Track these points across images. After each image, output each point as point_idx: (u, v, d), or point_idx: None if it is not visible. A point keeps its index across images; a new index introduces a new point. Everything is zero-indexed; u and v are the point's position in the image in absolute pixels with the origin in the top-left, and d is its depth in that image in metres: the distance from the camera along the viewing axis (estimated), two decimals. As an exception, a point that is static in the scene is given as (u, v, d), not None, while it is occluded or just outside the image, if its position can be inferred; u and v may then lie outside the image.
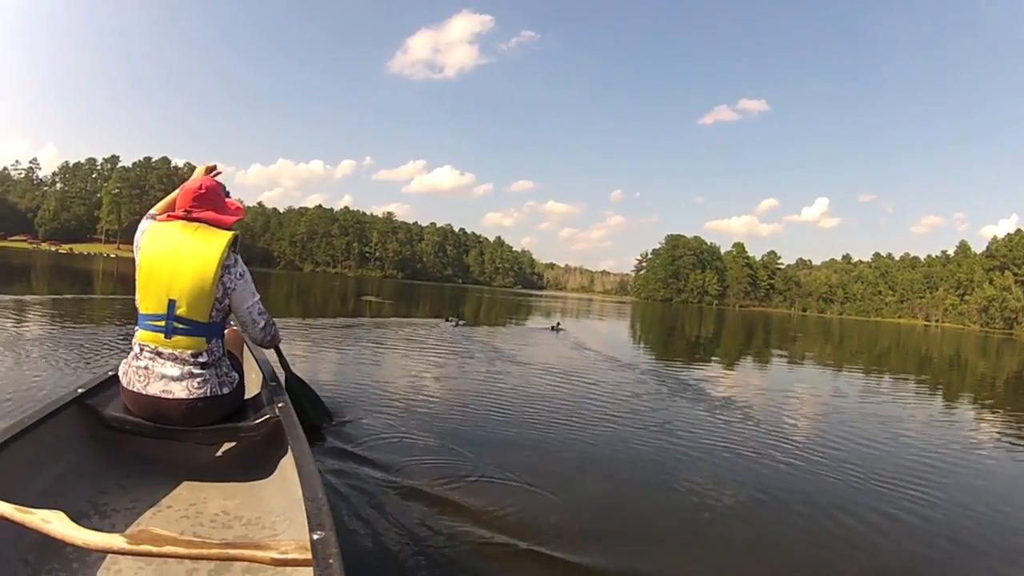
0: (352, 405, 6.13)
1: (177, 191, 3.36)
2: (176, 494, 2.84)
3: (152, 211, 3.46)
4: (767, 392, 10.73)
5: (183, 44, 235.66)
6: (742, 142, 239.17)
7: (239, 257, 3.21)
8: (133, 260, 3.11)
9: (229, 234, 3.16)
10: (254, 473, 3.03)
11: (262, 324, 3.37)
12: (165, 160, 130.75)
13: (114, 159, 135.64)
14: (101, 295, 19.05)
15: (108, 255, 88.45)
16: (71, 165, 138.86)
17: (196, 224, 3.13)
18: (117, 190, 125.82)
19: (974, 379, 18.29)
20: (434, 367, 9.72)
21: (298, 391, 4.73)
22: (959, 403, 12.19)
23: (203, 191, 3.22)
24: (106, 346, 8.20)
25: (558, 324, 19.87)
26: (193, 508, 2.73)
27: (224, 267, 3.06)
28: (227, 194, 3.52)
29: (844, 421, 8.16)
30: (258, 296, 3.33)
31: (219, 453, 3.33)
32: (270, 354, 4.55)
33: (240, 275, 3.17)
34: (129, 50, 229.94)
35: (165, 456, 3.12)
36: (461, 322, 18.37)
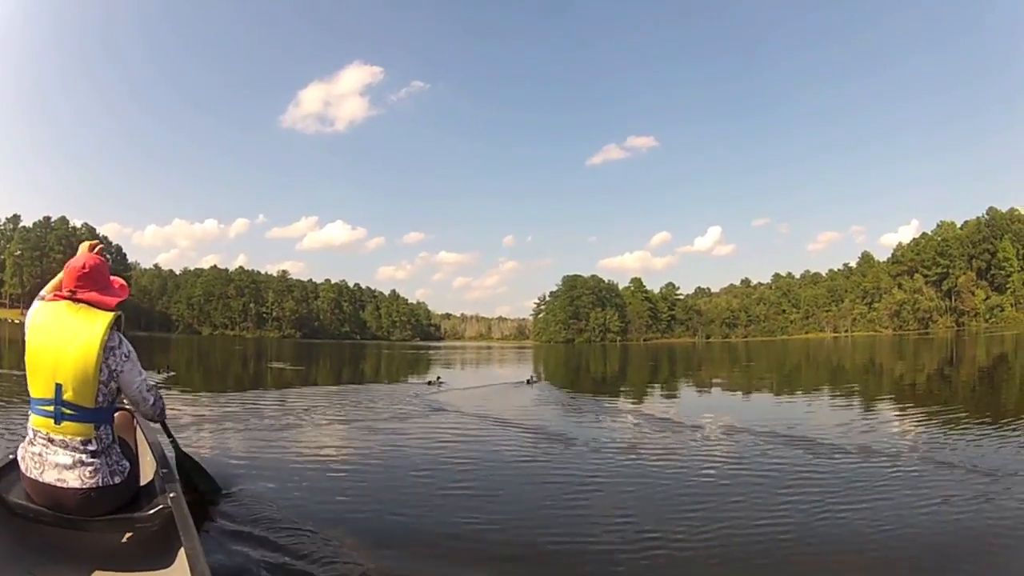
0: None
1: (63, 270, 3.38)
2: None
3: (43, 291, 3.46)
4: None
5: (88, 99, 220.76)
6: (632, 179, 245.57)
7: (123, 337, 3.25)
8: None
9: (111, 315, 3.17)
10: (156, 562, 3.03)
11: (152, 401, 3.49)
12: (64, 220, 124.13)
13: (15, 219, 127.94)
14: (8, 369, 17.89)
15: (13, 320, 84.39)
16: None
17: (79, 305, 3.14)
18: (19, 252, 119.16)
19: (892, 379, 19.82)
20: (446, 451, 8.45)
21: (187, 467, 4.57)
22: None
23: (87, 270, 3.23)
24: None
25: (532, 378, 20.35)
26: None
27: (108, 349, 3.09)
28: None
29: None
30: (145, 375, 3.42)
31: (123, 541, 3.30)
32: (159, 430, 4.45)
33: (125, 356, 3.21)
34: (30, 102, 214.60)
35: (71, 545, 3.11)
36: (442, 383, 18.32)
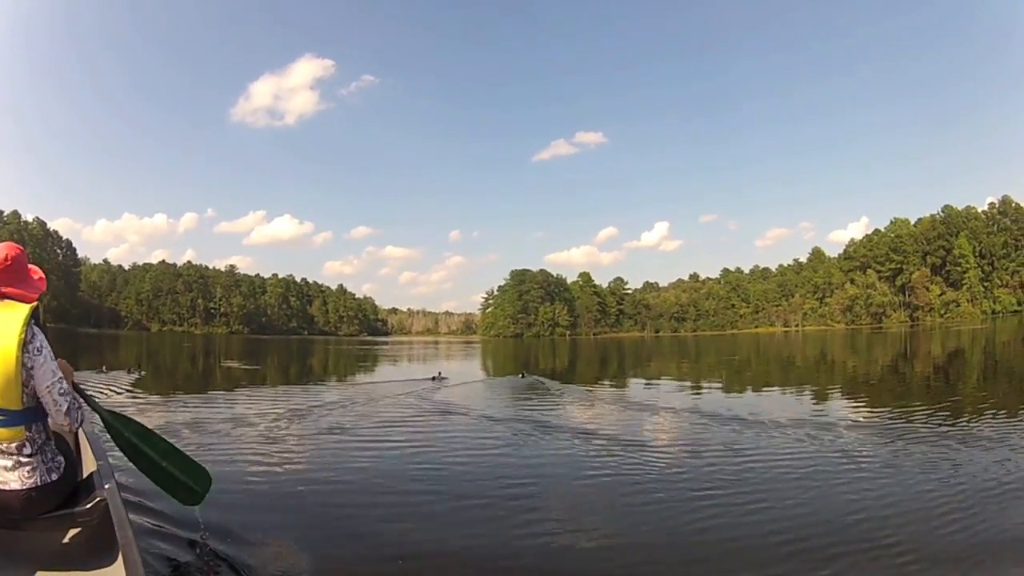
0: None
1: None
2: None
3: None
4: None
5: (48, 91, 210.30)
6: (579, 174, 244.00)
7: (38, 330, 3.02)
8: None
9: (27, 308, 2.99)
10: (102, 558, 3.01)
11: (65, 407, 3.04)
12: (16, 215, 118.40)
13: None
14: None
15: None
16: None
17: (2, 302, 3.01)
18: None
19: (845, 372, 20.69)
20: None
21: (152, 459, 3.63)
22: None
23: (9, 263, 3.08)
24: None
25: (524, 373, 22.18)
26: None
27: (23, 345, 2.89)
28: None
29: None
30: (60, 375, 3.05)
31: (67, 539, 3.28)
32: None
33: (37, 350, 2.97)
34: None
35: (19, 545, 3.12)
36: (445, 379, 18.84)
